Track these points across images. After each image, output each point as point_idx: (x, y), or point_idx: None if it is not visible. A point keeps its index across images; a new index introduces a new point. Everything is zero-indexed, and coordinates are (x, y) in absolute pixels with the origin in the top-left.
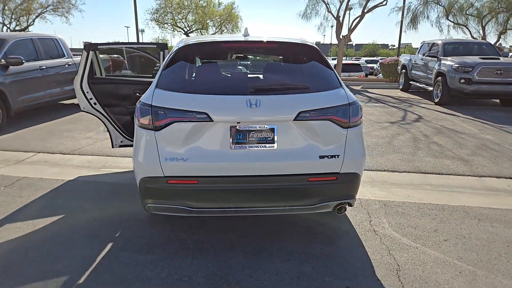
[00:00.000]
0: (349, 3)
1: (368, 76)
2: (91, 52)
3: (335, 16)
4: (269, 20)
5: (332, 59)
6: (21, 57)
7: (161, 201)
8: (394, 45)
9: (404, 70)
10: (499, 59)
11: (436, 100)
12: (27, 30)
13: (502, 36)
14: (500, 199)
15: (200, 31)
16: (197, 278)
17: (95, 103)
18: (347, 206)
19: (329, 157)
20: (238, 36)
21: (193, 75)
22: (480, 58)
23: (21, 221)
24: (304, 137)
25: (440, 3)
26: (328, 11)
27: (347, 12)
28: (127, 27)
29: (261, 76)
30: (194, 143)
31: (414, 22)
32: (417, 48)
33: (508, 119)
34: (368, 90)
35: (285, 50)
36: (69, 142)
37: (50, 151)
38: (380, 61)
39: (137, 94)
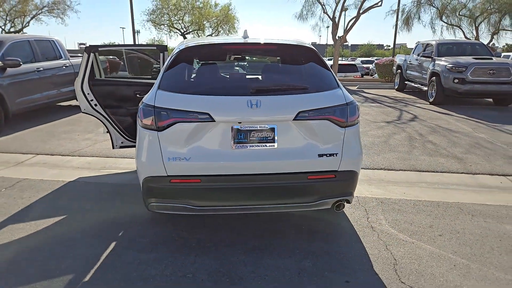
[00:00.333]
0: (345, 4)
1: (364, 76)
2: (91, 54)
3: (331, 17)
4: (266, 21)
5: (328, 60)
6: (19, 59)
7: (164, 200)
8: (389, 46)
9: (399, 71)
10: (492, 59)
11: (431, 100)
12: (22, 32)
13: (495, 37)
14: (493, 196)
15: (197, 32)
16: (201, 275)
17: (96, 105)
18: (345, 203)
19: (328, 155)
20: (238, 38)
21: (195, 76)
22: (473, 58)
23: (23, 222)
24: (304, 136)
25: (434, 5)
26: (324, 12)
27: (343, 13)
28: (123, 28)
29: (260, 77)
30: (196, 143)
31: (408, 23)
32: (412, 48)
33: (500, 117)
34: (364, 90)
35: (284, 51)
36: (68, 143)
37: (49, 152)
38: (375, 61)
39: (138, 95)
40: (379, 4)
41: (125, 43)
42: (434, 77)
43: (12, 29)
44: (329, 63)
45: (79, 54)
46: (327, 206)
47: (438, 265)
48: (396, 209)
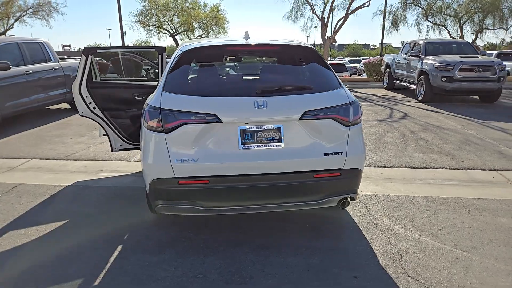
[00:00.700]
0: (333, 4)
1: (352, 75)
2: (89, 56)
3: (320, 17)
4: (256, 21)
5: None
6: (8, 62)
7: (172, 201)
8: (375, 45)
9: (388, 70)
10: (477, 57)
11: (420, 98)
12: (5, 34)
13: (478, 35)
14: (486, 190)
15: (186, 33)
16: (211, 275)
17: (94, 108)
18: (350, 201)
19: (333, 154)
20: (240, 39)
21: (199, 78)
22: (460, 57)
23: (24, 227)
24: (309, 136)
25: (420, 5)
26: (312, 12)
27: (331, 13)
28: (109, 29)
29: (264, 77)
30: (203, 144)
31: (395, 23)
32: (397, 47)
33: (487, 114)
34: (354, 89)
35: (286, 52)
36: (61, 147)
37: (42, 157)
38: (363, 61)
39: (136, 97)
40: (367, 4)
41: (123, 45)
42: (423, 76)
43: None
44: None
45: (65, 56)
46: (333, 204)
47: (441, 258)
48: (396, 205)
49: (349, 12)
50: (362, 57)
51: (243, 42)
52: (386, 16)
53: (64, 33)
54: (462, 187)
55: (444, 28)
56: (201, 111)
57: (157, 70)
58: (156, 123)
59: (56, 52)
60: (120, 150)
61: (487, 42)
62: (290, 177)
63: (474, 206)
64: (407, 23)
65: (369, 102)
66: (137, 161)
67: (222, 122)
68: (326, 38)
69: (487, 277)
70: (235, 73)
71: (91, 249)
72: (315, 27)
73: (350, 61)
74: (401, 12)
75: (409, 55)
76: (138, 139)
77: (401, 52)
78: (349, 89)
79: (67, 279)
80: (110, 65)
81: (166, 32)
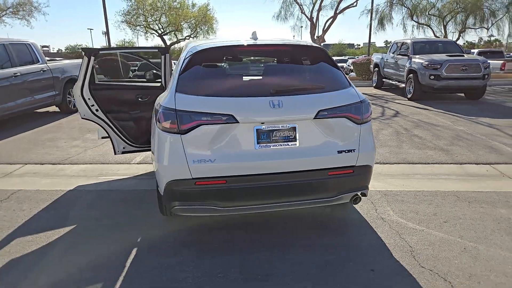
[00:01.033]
0: (322, 4)
1: None
2: (92, 58)
3: (309, 17)
4: (245, 22)
5: None
6: None
7: (189, 203)
8: (359, 45)
9: (376, 69)
10: (463, 56)
11: (409, 96)
12: None
13: (461, 35)
14: (482, 183)
15: (175, 33)
16: (232, 274)
17: (97, 110)
18: (361, 196)
19: (346, 151)
20: (249, 40)
21: (212, 78)
22: (446, 55)
23: (31, 234)
24: (323, 134)
25: (405, 5)
26: (301, 12)
27: (319, 13)
28: (90, 29)
29: (276, 77)
30: (220, 144)
31: (382, 23)
32: (381, 47)
33: (474, 111)
34: None
35: (297, 52)
36: (56, 151)
37: (37, 162)
38: (349, 60)
39: (139, 99)
40: (355, 4)
41: (128, 46)
42: (412, 74)
43: None
44: None
45: (47, 58)
46: (346, 200)
47: (450, 249)
48: (400, 200)
49: (337, 12)
50: (348, 57)
51: (254, 42)
52: (373, 16)
53: (43, 33)
54: (459, 181)
55: (428, 27)
56: (218, 111)
57: (155, 71)
58: (171, 124)
59: None
60: (123, 152)
61: (466, 41)
62: (305, 175)
63: (473, 198)
64: (392, 23)
65: None
66: (138, 163)
67: (238, 122)
68: (315, 37)
69: (495, 265)
70: (247, 73)
71: (105, 254)
72: (302, 26)
73: (337, 61)
74: (387, 12)
75: (398, 54)
76: (142, 141)
77: (389, 51)
78: None
79: (84, 285)
80: (96, 66)
81: (154, 32)
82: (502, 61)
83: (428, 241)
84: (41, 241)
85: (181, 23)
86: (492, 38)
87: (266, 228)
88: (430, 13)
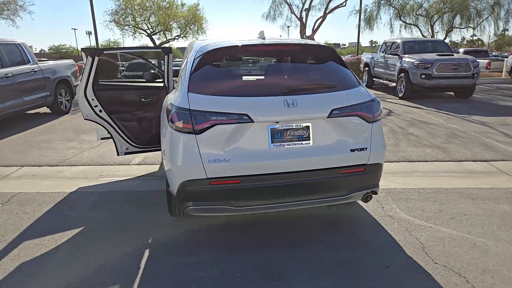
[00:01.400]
0: (311, 4)
1: None
2: (96, 58)
3: (298, 17)
4: (235, 21)
5: None
6: None
7: (204, 202)
8: (345, 44)
9: (367, 68)
10: (453, 55)
11: (400, 95)
12: None
13: (448, 34)
14: (481, 180)
15: (164, 33)
16: (249, 273)
17: (100, 111)
18: (372, 194)
19: (359, 150)
20: (258, 39)
21: (224, 78)
22: (437, 55)
23: (38, 237)
24: (336, 133)
25: (393, 5)
26: (291, 12)
27: (309, 13)
28: (75, 29)
29: (288, 76)
30: (235, 144)
31: (370, 23)
32: (366, 46)
33: (465, 109)
34: None
35: (306, 51)
36: (52, 153)
37: (34, 164)
38: None
39: (143, 99)
40: (344, 4)
41: (130, 46)
42: (403, 74)
43: None
44: None
45: (44, 59)
46: (358, 199)
47: (460, 245)
48: (404, 198)
49: (327, 11)
50: None
51: (264, 42)
52: (362, 16)
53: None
54: (459, 178)
55: (416, 27)
56: (233, 111)
57: (152, 71)
58: (185, 124)
59: None
60: (126, 153)
61: (450, 41)
62: (319, 174)
63: (475, 195)
64: (381, 22)
65: None
66: (137, 164)
67: (253, 121)
68: (304, 37)
69: (505, 259)
70: (258, 72)
71: (118, 255)
72: (288, 26)
73: None
74: (375, 12)
75: (388, 54)
76: (145, 141)
77: (380, 51)
78: None
79: (104, 286)
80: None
81: (143, 32)
82: (487, 60)
83: (437, 238)
84: (49, 244)
85: (170, 23)
86: (475, 38)
87: (275, 227)
88: (417, 13)
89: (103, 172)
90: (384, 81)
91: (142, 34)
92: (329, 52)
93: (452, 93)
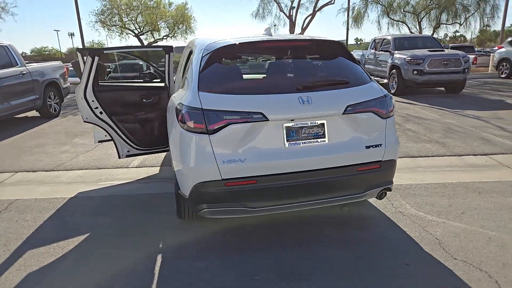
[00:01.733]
0: (300, 2)
1: None
2: (96, 58)
3: (288, 15)
4: (224, 20)
5: None
6: None
7: (218, 204)
8: None
9: None
10: (444, 51)
11: (393, 91)
12: None
13: (436, 30)
14: (484, 173)
15: (152, 33)
16: (268, 275)
17: (101, 112)
18: (386, 191)
19: (374, 146)
20: (266, 36)
21: (235, 76)
22: (428, 51)
23: (43, 245)
24: (351, 130)
25: (381, 3)
26: (280, 10)
27: (298, 11)
28: (57, 30)
29: (299, 73)
30: (249, 143)
31: (357, 21)
32: (352, 44)
33: (458, 104)
34: None
35: (316, 47)
36: (46, 158)
37: (29, 169)
38: None
39: (144, 100)
40: (332, 2)
41: (131, 45)
42: (394, 70)
43: None
44: None
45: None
46: (373, 196)
47: (475, 239)
48: (412, 194)
49: (316, 9)
50: None
51: (273, 38)
52: (350, 14)
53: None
54: (462, 172)
55: (403, 24)
56: (248, 109)
57: (150, 71)
58: (197, 124)
59: None
60: (127, 156)
61: (437, 37)
62: (335, 171)
63: (481, 189)
64: (368, 20)
65: None
66: (136, 167)
67: (268, 120)
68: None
69: None
70: (268, 69)
71: (130, 261)
72: (275, 25)
73: None
74: (363, 9)
75: (379, 50)
76: (147, 143)
77: (370, 48)
78: None
79: None
80: (71, 68)
81: (130, 32)
82: (474, 56)
83: (452, 233)
84: (55, 252)
85: (158, 23)
86: (457, 34)
87: (286, 227)
88: (405, 10)
89: (101, 176)
90: (376, 78)
91: (129, 35)
92: (339, 47)
93: (442, 88)
